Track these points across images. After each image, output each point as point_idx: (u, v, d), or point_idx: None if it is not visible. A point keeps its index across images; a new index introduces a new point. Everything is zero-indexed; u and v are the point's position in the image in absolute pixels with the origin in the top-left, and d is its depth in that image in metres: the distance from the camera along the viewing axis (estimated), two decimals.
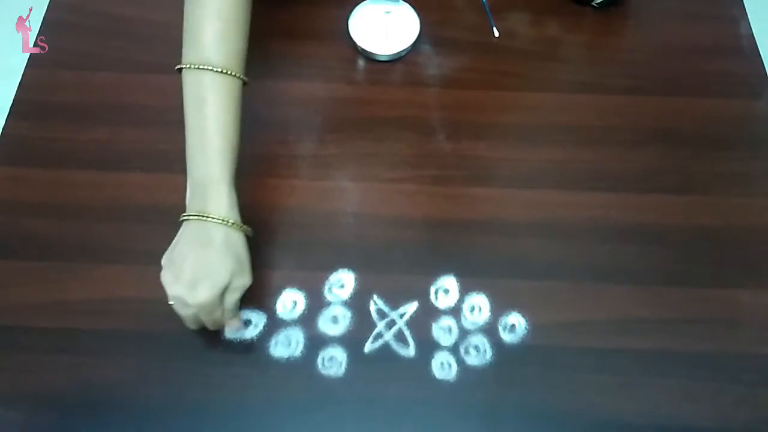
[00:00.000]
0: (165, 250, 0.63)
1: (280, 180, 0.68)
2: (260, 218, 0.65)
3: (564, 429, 0.57)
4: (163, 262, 0.55)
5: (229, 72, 0.55)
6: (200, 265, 0.52)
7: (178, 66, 0.55)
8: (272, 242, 0.64)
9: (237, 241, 0.54)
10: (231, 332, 0.56)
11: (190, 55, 0.55)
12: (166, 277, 0.53)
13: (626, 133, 0.71)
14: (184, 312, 0.53)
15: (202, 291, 0.52)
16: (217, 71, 0.54)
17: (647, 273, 0.63)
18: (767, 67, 0.76)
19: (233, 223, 0.54)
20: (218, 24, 0.55)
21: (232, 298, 0.54)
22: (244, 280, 0.54)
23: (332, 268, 0.63)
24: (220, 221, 0.53)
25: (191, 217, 0.53)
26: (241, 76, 0.56)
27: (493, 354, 0.59)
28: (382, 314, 0.61)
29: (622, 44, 0.78)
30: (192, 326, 0.55)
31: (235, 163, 0.56)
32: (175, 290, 0.52)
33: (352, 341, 0.59)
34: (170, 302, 0.53)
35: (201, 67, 0.54)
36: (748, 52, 0.77)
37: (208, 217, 0.53)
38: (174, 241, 0.55)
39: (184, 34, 0.57)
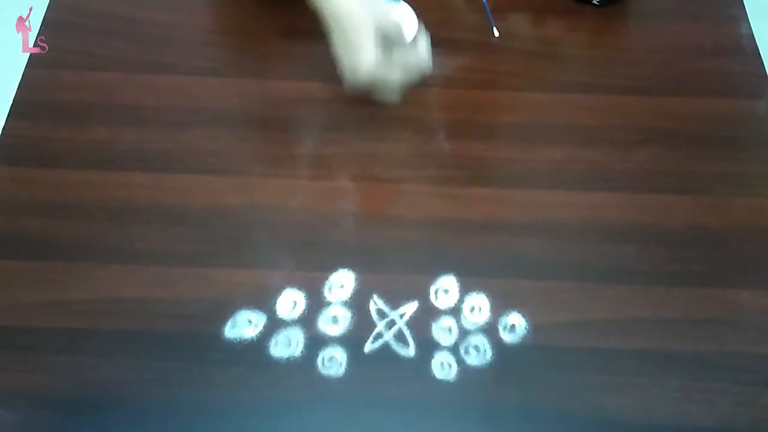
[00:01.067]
0: (165, 250, 0.63)
1: (280, 180, 0.68)
2: (260, 218, 0.65)
3: (564, 429, 0.57)
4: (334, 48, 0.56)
5: None
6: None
7: None
8: (272, 242, 0.64)
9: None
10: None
11: None
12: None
13: (626, 133, 0.71)
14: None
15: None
16: None
17: (647, 273, 0.63)
18: (767, 67, 0.76)
19: None
20: None
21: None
22: None
23: (332, 268, 0.63)
24: None
25: None
26: None
27: (493, 354, 0.59)
28: (382, 314, 0.61)
29: (622, 44, 0.78)
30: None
31: None
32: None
33: (352, 341, 0.59)
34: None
35: None
36: (748, 52, 0.77)
37: None
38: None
39: None
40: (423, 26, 0.75)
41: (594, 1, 0.78)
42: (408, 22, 0.75)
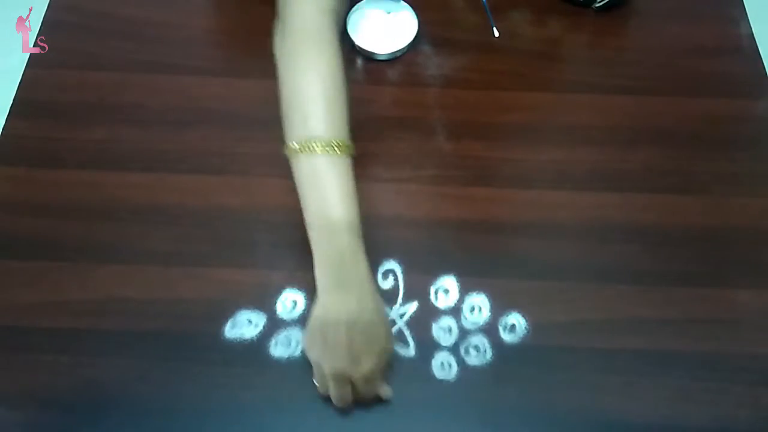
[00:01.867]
0: (165, 250, 0.63)
1: (280, 180, 0.67)
2: (260, 218, 0.65)
3: (564, 429, 0.57)
4: (309, 328, 0.53)
5: (342, 148, 0.52)
6: (361, 334, 0.50)
7: (289, 151, 0.53)
8: (272, 242, 0.64)
9: (382, 306, 0.54)
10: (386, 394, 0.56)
11: (298, 133, 0.52)
12: (316, 348, 0.52)
13: (626, 133, 0.71)
14: (338, 386, 0.52)
15: (367, 361, 0.50)
16: (331, 152, 0.51)
17: (647, 273, 0.63)
18: (767, 67, 0.76)
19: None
20: (327, 99, 0.53)
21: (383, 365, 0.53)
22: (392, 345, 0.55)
23: None
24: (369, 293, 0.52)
25: (333, 294, 0.52)
26: (352, 152, 0.53)
27: (493, 354, 0.59)
28: None
29: (623, 44, 0.78)
30: (325, 392, 0.54)
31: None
32: (334, 363, 0.50)
33: None
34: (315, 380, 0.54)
35: (313, 149, 0.51)
36: (748, 52, 0.77)
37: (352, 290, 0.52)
38: (313, 317, 0.53)
39: (290, 112, 0.54)
40: (423, 26, 0.76)
41: (594, 6, 0.78)
42: (406, 21, 0.75)
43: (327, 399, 0.55)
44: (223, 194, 0.66)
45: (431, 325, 0.60)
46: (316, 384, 0.55)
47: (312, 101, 0.52)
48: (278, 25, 0.56)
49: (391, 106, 0.72)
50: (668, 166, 0.69)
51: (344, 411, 0.55)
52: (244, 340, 0.59)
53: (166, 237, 0.64)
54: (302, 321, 0.60)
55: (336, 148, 0.51)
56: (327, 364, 0.51)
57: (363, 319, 0.51)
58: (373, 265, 0.63)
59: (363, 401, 0.54)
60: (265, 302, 0.61)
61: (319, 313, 0.52)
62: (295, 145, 0.52)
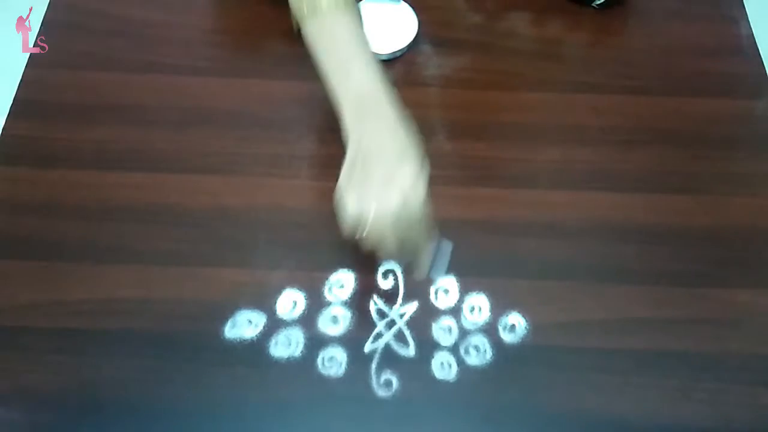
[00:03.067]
0: (165, 250, 0.63)
1: (280, 180, 0.68)
2: (260, 218, 0.65)
3: (564, 429, 0.57)
4: (346, 168, 0.49)
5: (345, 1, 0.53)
6: (399, 144, 0.49)
7: (295, 15, 0.54)
8: (272, 242, 0.64)
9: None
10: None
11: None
12: (355, 181, 0.48)
13: (626, 133, 0.71)
14: (384, 198, 0.47)
15: (409, 166, 0.48)
16: (334, 4, 0.53)
17: (647, 273, 0.63)
18: (767, 67, 0.76)
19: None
20: None
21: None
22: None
23: (332, 268, 0.63)
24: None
25: (363, 127, 0.50)
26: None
27: (493, 354, 0.59)
28: (382, 314, 0.61)
29: (623, 44, 0.78)
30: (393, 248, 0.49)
31: None
32: (380, 170, 0.47)
33: (352, 341, 0.59)
34: (362, 230, 0.47)
35: (316, 6, 0.53)
36: (748, 52, 0.77)
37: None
38: (349, 152, 0.50)
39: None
40: (422, 26, 0.76)
41: (594, 5, 0.78)
42: (406, 21, 0.75)
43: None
44: (223, 194, 0.66)
45: (431, 325, 0.60)
46: (353, 231, 0.49)
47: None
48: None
49: None
50: (668, 166, 0.69)
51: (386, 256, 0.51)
52: (244, 340, 0.59)
53: (166, 237, 0.64)
54: (302, 321, 0.60)
55: (341, 2, 0.53)
56: (372, 185, 0.47)
57: (398, 133, 0.51)
58: (373, 265, 0.63)
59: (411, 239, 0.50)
60: (265, 302, 0.61)
61: (353, 147, 0.50)
62: (302, 10, 0.54)
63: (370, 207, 0.47)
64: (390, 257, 0.49)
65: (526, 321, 0.60)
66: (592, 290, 0.62)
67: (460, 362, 0.59)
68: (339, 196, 0.49)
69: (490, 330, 0.60)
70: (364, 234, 0.48)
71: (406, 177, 0.48)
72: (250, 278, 0.62)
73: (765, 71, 0.76)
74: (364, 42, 0.54)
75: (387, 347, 0.59)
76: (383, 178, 0.48)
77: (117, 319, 0.60)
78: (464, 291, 0.62)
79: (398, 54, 0.75)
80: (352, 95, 0.52)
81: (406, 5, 0.76)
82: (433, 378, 0.58)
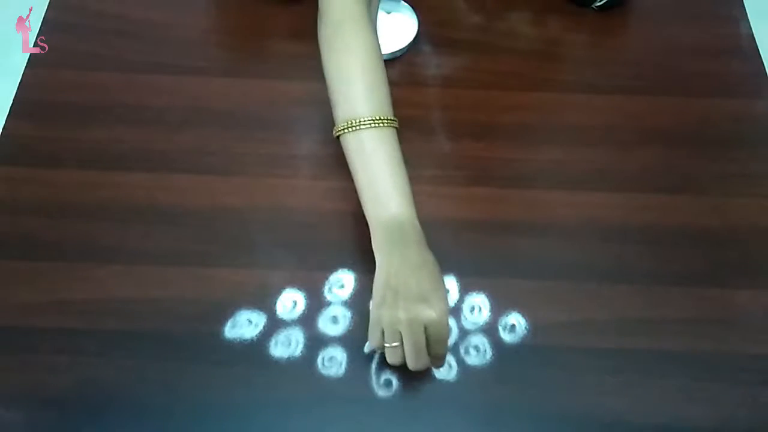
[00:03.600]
0: (165, 250, 0.63)
1: (280, 180, 0.68)
2: (260, 218, 0.65)
3: (564, 429, 0.57)
4: (373, 302, 0.52)
5: (385, 122, 0.54)
6: (428, 276, 0.51)
7: (337, 132, 0.55)
8: (272, 242, 0.64)
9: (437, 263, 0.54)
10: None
11: (341, 115, 0.55)
12: (385, 304, 0.50)
13: (626, 133, 0.71)
14: (411, 337, 0.50)
15: (438, 300, 0.50)
16: (375, 126, 0.53)
17: (647, 273, 0.63)
18: (767, 67, 0.76)
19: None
20: (366, 76, 0.55)
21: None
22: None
23: (332, 268, 0.63)
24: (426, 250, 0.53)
25: (394, 254, 0.52)
26: (396, 124, 0.55)
27: (493, 354, 0.59)
28: None
29: (623, 44, 0.78)
30: (399, 361, 0.52)
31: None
32: (408, 307, 0.50)
33: (352, 341, 0.59)
34: (390, 343, 0.51)
35: (357, 125, 0.53)
36: (748, 52, 0.77)
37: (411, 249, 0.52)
38: (378, 280, 0.52)
39: (333, 94, 0.56)
40: (422, 26, 0.76)
41: (594, 6, 0.78)
42: (406, 21, 0.75)
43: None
44: (223, 194, 0.66)
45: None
46: (379, 345, 0.52)
47: (352, 83, 0.55)
48: (319, 17, 0.59)
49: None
50: (668, 166, 0.69)
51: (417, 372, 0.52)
52: (244, 340, 0.59)
53: (166, 237, 0.64)
54: (302, 321, 0.60)
55: (379, 122, 0.53)
56: (400, 312, 0.50)
57: (427, 265, 0.52)
58: (373, 265, 0.63)
59: (434, 358, 0.52)
60: (265, 302, 0.61)
61: (382, 273, 0.52)
62: (342, 124, 0.54)
63: (395, 336, 0.50)
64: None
65: (526, 321, 0.60)
66: (592, 290, 0.62)
67: (460, 362, 0.59)
68: (374, 312, 0.52)
69: (490, 330, 0.60)
70: (386, 350, 0.52)
71: (427, 318, 0.50)
72: (250, 278, 0.62)
73: (765, 71, 0.76)
74: (399, 162, 0.54)
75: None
76: (408, 314, 0.50)
77: (117, 319, 0.60)
78: (464, 291, 0.62)
79: (398, 54, 0.75)
80: (384, 228, 0.53)
81: (406, 5, 0.76)
82: (433, 378, 0.58)
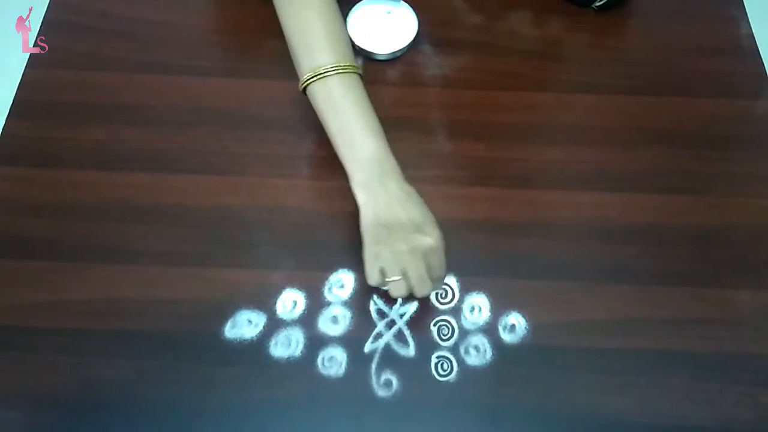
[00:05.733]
0: (165, 250, 0.63)
1: (280, 180, 0.68)
2: (260, 218, 0.65)
3: (564, 429, 0.57)
4: (367, 241, 0.54)
5: (350, 68, 0.56)
6: (415, 206, 0.53)
7: (303, 82, 0.56)
8: (272, 242, 0.64)
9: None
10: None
11: (306, 65, 0.56)
12: (380, 240, 0.53)
13: (626, 133, 0.71)
14: (414, 267, 0.52)
15: (431, 227, 0.53)
16: (341, 72, 0.55)
17: (647, 273, 0.63)
18: (767, 67, 0.76)
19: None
20: (325, 26, 0.57)
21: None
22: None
23: (332, 268, 0.63)
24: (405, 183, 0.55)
25: (377, 191, 0.54)
26: (359, 70, 0.57)
27: (493, 354, 0.59)
28: (382, 314, 0.61)
29: (623, 44, 0.78)
30: (405, 293, 0.54)
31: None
32: (405, 238, 0.52)
33: (352, 341, 0.59)
34: (392, 277, 0.53)
35: (323, 73, 0.55)
36: (748, 52, 0.77)
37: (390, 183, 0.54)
38: (366, 219, 0.54)
39: (294, 48, 0.58)
40: (422, 26, 0.76)
41: (594, 6, 0.78)
42: (406, 21, 0.75)
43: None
44: (223, 194, 0.66)
45: (431, 325, 0.60)
46: (379, 282, 0.54)
47: (314, 35, 0.57)
48: None
49: (390, 107, 0.72)
50: (668, 166, 0.69)
51: (420, 296, 0.55)
52: (244, 340, 0.59)
53: (166, 237, 0.64)
54: (302, 321, 0.60)
55: (344, 68, 0.55)
56: (397, 244, 0.52)
57: (412, 197, 0.54)
58: None
59: (435, 281, 0.54)
60: (265, 302, 0.61)
61: (366, 213, 0.54)
62: (307, 74, 0.56)
63: (398, 269, 0.53)
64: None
65: (526, 321, 0.60)
66: (592, 290, 0.62)
67: (460, 362, 0.59)
68: (369, 250, 0.54)
69: (490, 330, 0.60)
70: (389, 284, 0.54)
71: (426, 245, 0.53)
72: (250, 278, 0.62)
73: (765, 71, 0.76)
74: (367, 104, 0.56)
75: (387, 347, 0.59)
76: (408, 245, 0.52)
77: (117, 319, 0.60)
78: (464, 291, 0.62)
79: (398, 54, 0.75)
80: (361, 167, 0.54)
81: (406, 5, 0.76)
82: (433, 378, 0.58)
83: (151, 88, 0.73)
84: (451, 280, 0.62)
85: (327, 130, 0.56)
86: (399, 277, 0.53)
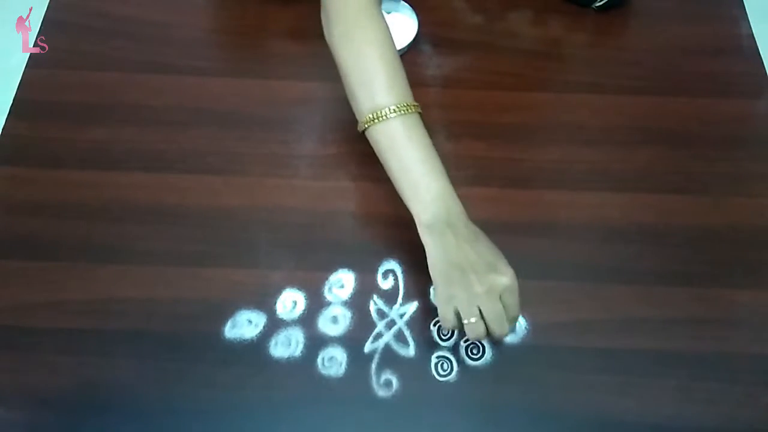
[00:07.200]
0: (165, 250, 0.63)
1: (280, 180, 0.68)
2: (260, 218, 0.65)
3: (564, 429, 0.57)
4: (439, 283, 0.52)
5: (411, 107, 0.54)
6: (486, 248, 0.52)
7: (364, 123, 0.54)
8: (272, 242, 0.64)
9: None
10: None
11: (367, 106, 0.54)
12: (453, 282, 0.51)
13: (626, 133, 0.71)
14: (491, 308, 0.51)
15: (504, 266, 0.52)
16: (403, 114, 0.53)
17: (647, 273, 0.63)
18: (767, 67, 0.76)
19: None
20: (386, 66, 0.55)
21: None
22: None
23: (332, 268, 0.63)
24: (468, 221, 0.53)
25: (445, 233, 0.52)
26: (419, 109, 0.55)
27: (493, 354, 0.59)
28: (382, 314, 0.61)
29: (623, 44, 0.78)
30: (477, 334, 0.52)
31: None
32: (479, 279, 0.51)
33: (352, 341, 0.59)
34: (469, 319, 0.51)
35: (385, 116, 0.53)
36: (748, 52, 0.77)
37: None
38: (435, 262, 0.52)
39: (352, 86, 0.55)
40: (422, 26, 0.76)
41: (594, 6, 0.78)
42: (405, 21, 0.75)
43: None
44: (223, 194, 0.66)
45: (431, 325, 0.60)
46: (455, 325, 0.53)
47: (376, 76, 0.54)
48: (323, 16, 0.58)
49: None
50: (668, 166, 0.69)
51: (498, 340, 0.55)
52: (244, 340, 0.59)
53: (166, 237, 0.64)
54: (302, 321, 0.60)
55: (405, 109, 0.53)
56: (475, 287, 0.51)
57: (479, 236, 0.53)
58: (374, 265, 0.63)
59: (510, 321, 0.53)
60: (265, 302, 0.61)
61: (437, 255, 0.52)
62: (368, 117, 0.54)
63: (474, 310, 0.51)
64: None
65: (526, 321, 0.60)
66: (592, 290, 0.62)
67: (460, 362, 0.59)
68: (442, 293, 0.52)
69: None
70: (466, 326, 0.52)
71: (503, 285, 0.52)
72: (250, 278, 0.62)
73: (765, 71, 0.76)
74: (429, 145, 0.54)
75: (387, 347, 0.59)
76: (483, 286, 0.51)
77: (117, 319, 0.60)
78: None
79: (399, 54, 0.75)
80: (426, 211, 0.52)
81: (406, 5, 0.76)
82: (433, 378, 0.58)
83: (151, 88, 0.73)
84: None
85: (388, 171, 0.54)
86: (474, 319, 0.51)
